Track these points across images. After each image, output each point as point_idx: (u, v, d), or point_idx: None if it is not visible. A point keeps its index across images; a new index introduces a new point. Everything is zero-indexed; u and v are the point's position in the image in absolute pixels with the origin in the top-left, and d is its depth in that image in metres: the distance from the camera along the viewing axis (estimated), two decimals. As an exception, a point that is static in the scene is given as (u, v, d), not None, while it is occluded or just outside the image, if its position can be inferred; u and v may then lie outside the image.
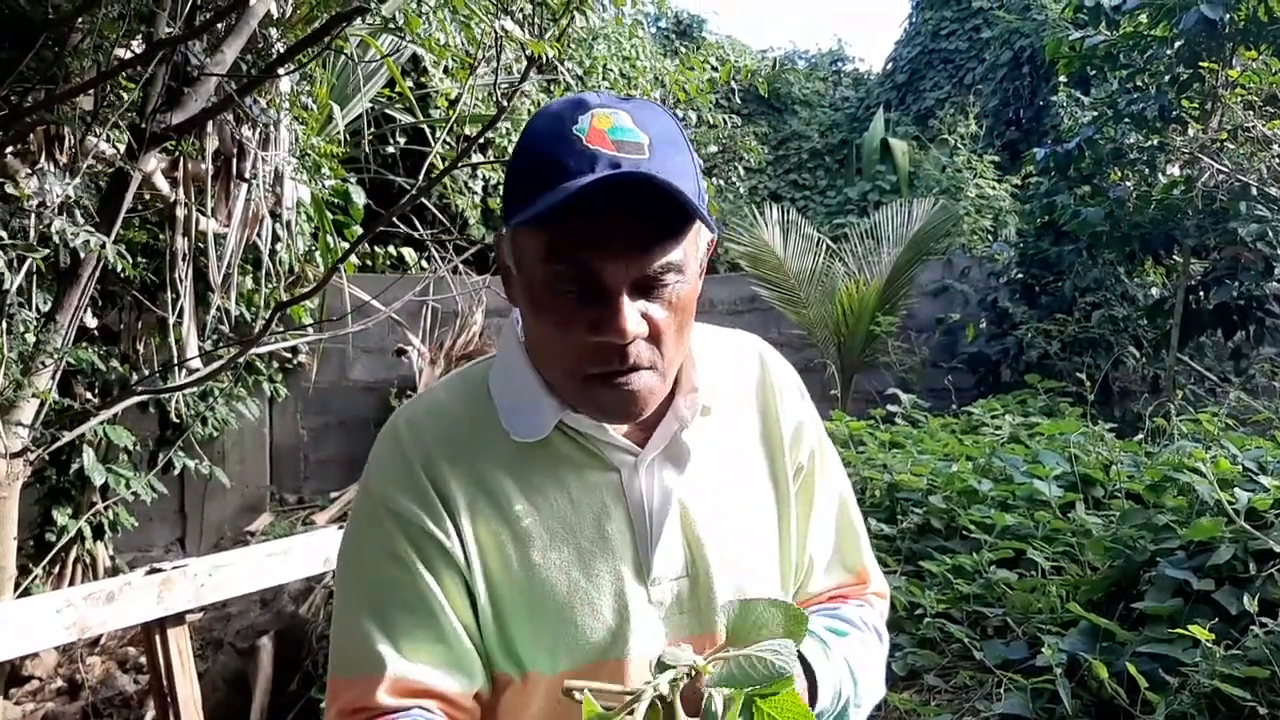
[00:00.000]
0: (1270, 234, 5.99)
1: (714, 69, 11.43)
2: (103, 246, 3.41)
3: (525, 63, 3.60)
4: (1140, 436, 4.88)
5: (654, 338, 1.08)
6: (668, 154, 1.04)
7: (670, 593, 1.15)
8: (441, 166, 4.25)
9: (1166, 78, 6.63)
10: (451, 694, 1.09)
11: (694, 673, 0.85)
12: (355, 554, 1.16)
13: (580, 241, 1.03)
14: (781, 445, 1.26)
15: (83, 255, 3.67)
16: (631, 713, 0.81)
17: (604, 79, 9.01)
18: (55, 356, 3.70)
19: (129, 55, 3.80)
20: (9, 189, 3.53)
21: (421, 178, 4.10)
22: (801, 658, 1.07)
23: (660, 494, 1.16)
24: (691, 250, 1.10)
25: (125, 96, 3.91)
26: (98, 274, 3.94)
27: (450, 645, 1.10)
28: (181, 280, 4.76)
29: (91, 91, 3.77)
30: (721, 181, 11.53)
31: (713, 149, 11.57)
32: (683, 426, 1.17)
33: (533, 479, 1.14)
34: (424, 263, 7.83)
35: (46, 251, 3.61)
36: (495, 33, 3.18)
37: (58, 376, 3.90)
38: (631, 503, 1.15)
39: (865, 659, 1.22)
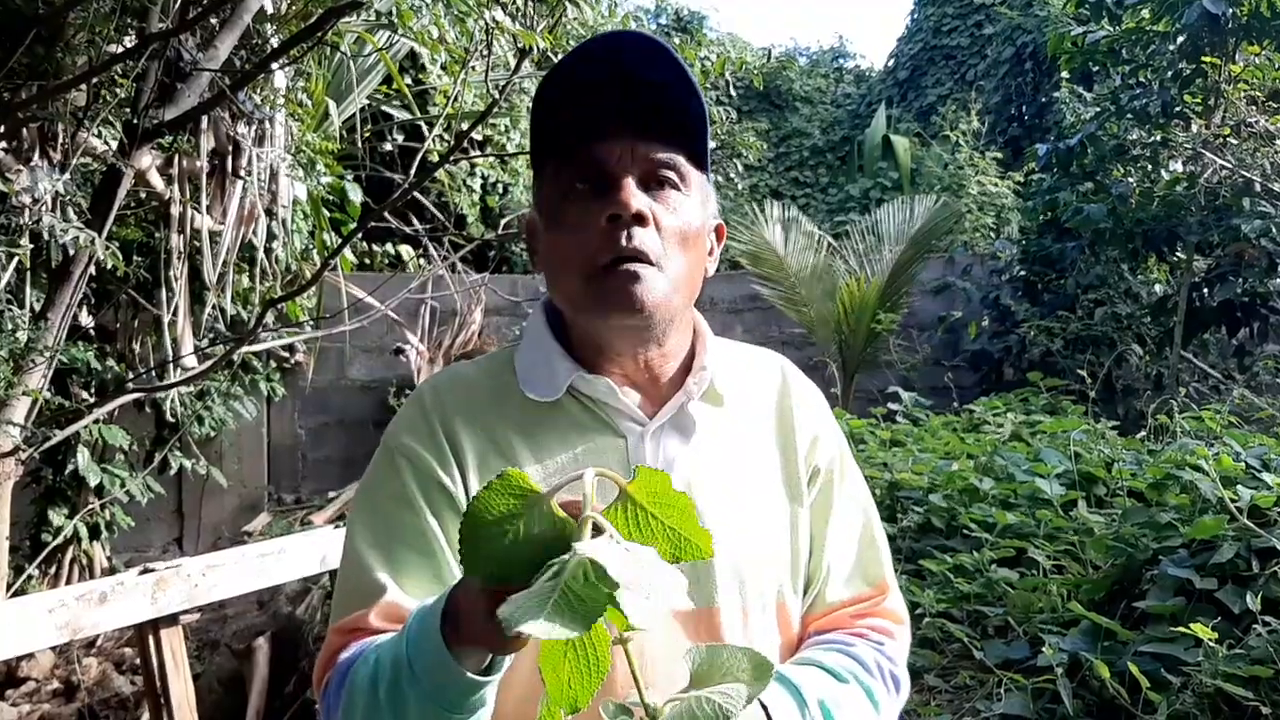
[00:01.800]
0: (1274, 230, 5.96)
1: (709, 61, 11.42)
2: (92, 243, 3.38)
3: (518, 56, 3.58)
4: (1143, 434, 4.85)
5: (659, 231, 1.16)
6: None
7: None
8: (437, 161, 4.23)
9: (1169, 73, 6.60)
10: None
11: (653, 716, 0.83)
12: (367, 497, 1.22)
13: (586, 132, 1.15)
14: (795, 448, 1.29)
15: (72, 252, 3.64)
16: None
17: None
18: (47, 355, 3.67)
19: (121, 50, 3.77)
20: (-1, 185, 3.51)
21: (413, 172, 4.08)
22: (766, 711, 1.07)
23: (664, 463, 1.20)
24: (693, 178, 1.21)
25: (118, 92, 3.89)
26: (91, 272, 3.92)
27: (446, 584, 1.12)
28: (177, 278, 4.75)
29: (84, 87, 3.74)
30: (720, 178, 11.50)
31: (711, 144, 11.54)
32: (689, 399, 1.22)
33: (542, 439, 1.20)
34: (423, 261, 7.81)
35: (30, 246, 3.59)
36: (487, 24, 3.16)
37: (50, 375, 3.87)
38: None
39: (860, 711, 1.18)
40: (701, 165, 1.23)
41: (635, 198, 1.12)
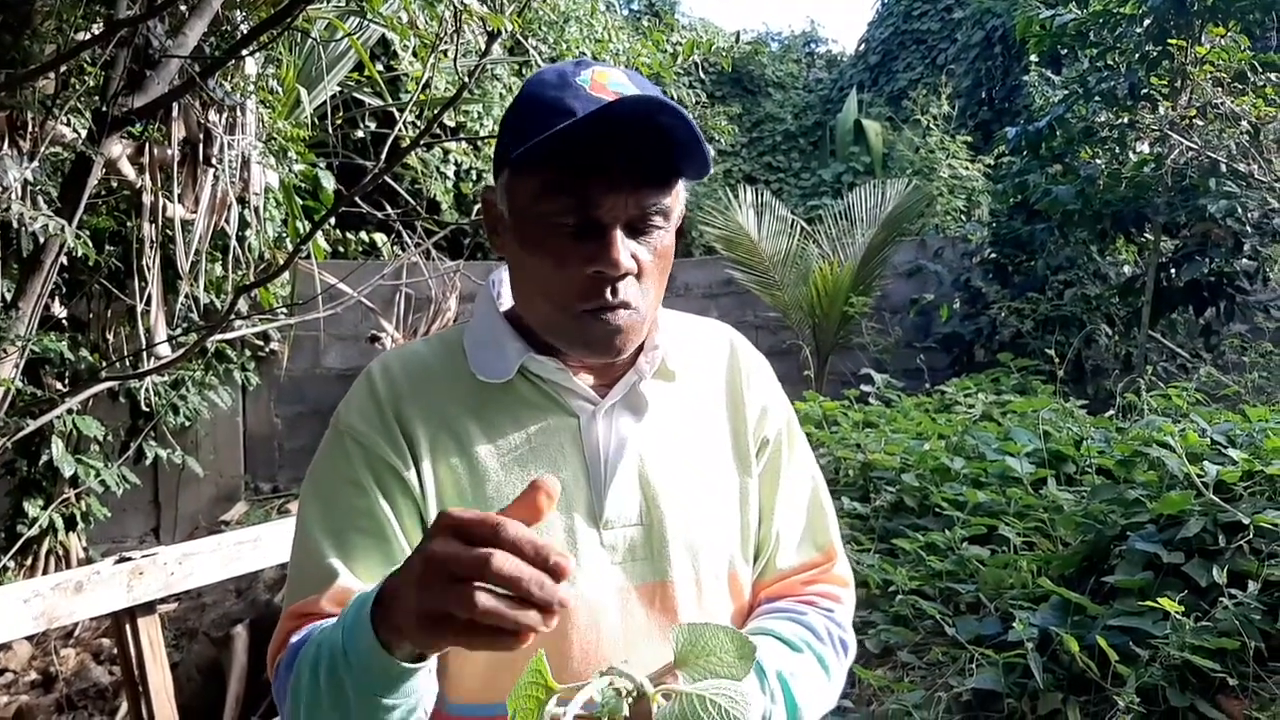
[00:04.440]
0: (1239, 210, 6.02)
1: (677, 45, 11.40)
2: (62, 230, 3.36)
3: (487, 39, 3.57)
4: (1112, 413, 4.91)
5: (639, 278, 1.14)
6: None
7: (624, 539, 1.18)
8: (407, 146, 4.21)
9: (1136, 55, 6.65)
10: None
11: (640, 694, 0.84)
12: (318, 480, 1.21)
13: (583, 176, 1.09)
14: (745, 419, 1.30)
15: (42, 240, 3.62)
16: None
17: (576, 62, 8.97)
18: (19, 344, 3.65)
19: (89, 37, 3.74)
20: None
21: (383, 158, 4.07)
22: None
23: (617, 441, 1.20)
24: (675, 204, 1.17)
25: (87, 80, 3.86)
26: (62, 261, 3.89)
27: (397, 567, 1.12)
28: (149, 267, 4.71)
29: (52, 75, 3.71)
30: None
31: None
32: (641, 378, 1.22)
33: (494, 420, 1.20)
34: (397, 249, 7.78)
35: (-1, 235, 3.56)
36: (455, 7, 3.15)
37: (22, 365, 3.85)
38: (588, 447, 1.20)
39: (814, 681, 1.22)
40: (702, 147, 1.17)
41: (624, 254, 1.11)
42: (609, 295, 1.12)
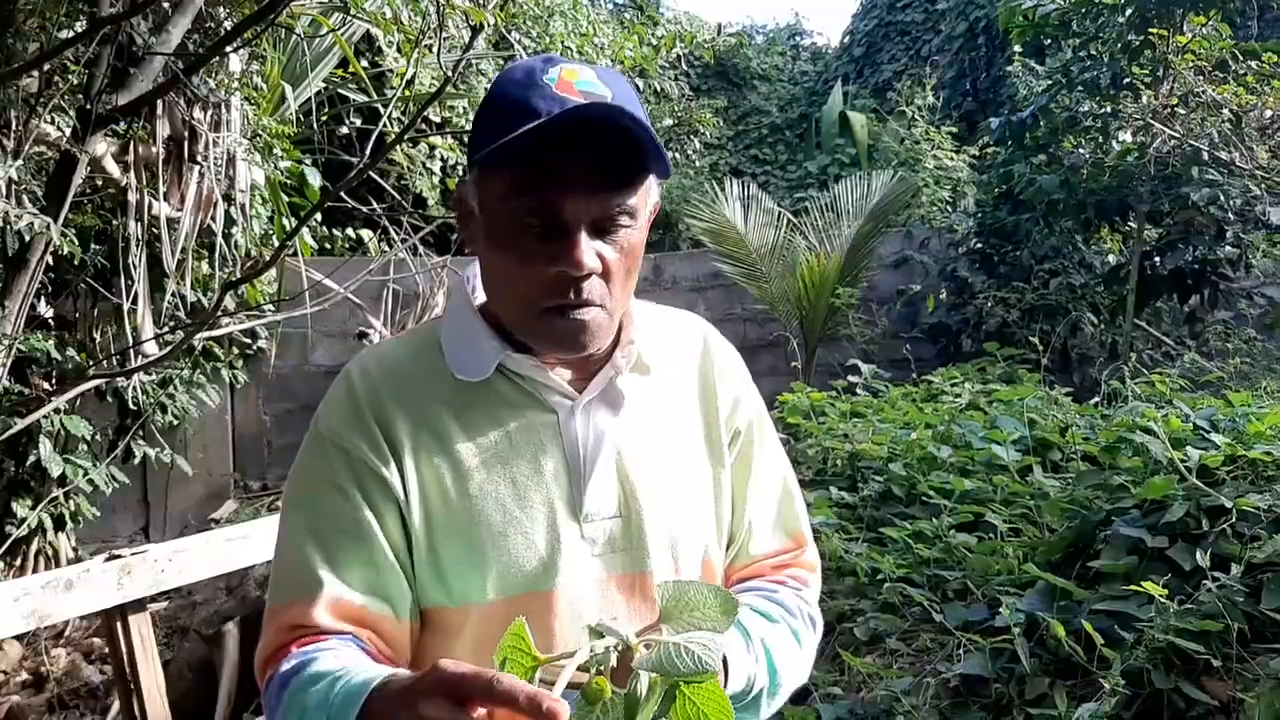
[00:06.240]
0: (1221, 198, 6.06)
1: (660, 38, 11.41)
2: (47, 229, 3.36)
3: (471, 34, 3.57)
4: (1097, 400, 4.94)
5: (605, 277, 1.15)
6: (629, 108, 1.11)
7: (603, 531, 1.21)
8: (393, 140, 4.22)
9: (1118, 45, 6.68)
10: (382, 623, 1.15)
11: (626, 647, 0.86)
12: (301, 484, 1.23)
13: (546, 177, 1.10)
14: (717, 411, 1.33)
15: (27, 239, 3.61)
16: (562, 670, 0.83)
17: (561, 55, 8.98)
18: (5, 343, 3.65)
19: (72, 35, 3.73)
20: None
21: (368, 153, 4.07)
22: None
23: (595, 435, 1.22)
24: (643, 202, 1.18)
25: (71, 78, 3.85)
26: (48, 260, 3.89)
27: (382, 571, 1.16)
28: (135, 266, 4.71)
29: (35, 73, 3.70)
30: (680, 156, 11.50)
31: (668, 122, 11.53)
32: (618, 373, 1.24)
33: (474, 418, 1.21)
34: (383, 245, 7.77)
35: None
36: (438, 3, 3.16)
37: (8, 364, 3.84)
38: (567, 442, 1.22)
39: (790, 651, 1.26)
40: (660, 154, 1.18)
41: (588, 254, 1.11)
42: (573, 294, 1.13)
